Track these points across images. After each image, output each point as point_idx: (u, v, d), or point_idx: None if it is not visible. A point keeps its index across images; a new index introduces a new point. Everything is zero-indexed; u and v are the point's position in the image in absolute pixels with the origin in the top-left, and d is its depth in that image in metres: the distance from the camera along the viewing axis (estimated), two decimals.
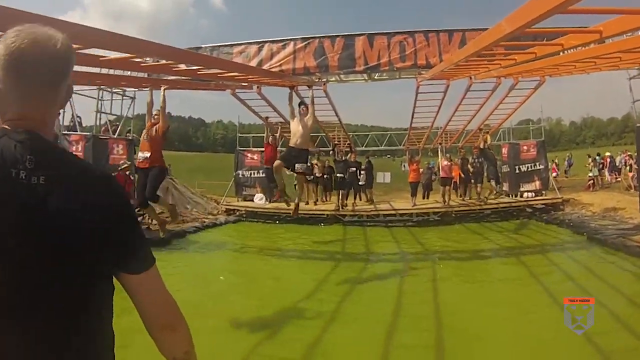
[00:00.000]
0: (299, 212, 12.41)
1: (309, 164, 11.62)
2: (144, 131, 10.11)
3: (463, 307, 8.05)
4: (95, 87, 14.82)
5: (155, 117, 10.00)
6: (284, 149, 15.44)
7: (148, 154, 10.23)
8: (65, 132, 15.67)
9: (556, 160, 39.43)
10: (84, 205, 1.33)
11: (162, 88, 10.19)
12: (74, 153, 12.46)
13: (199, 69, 9.48)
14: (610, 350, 5.65)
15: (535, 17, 4.47)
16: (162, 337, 1.56)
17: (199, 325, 7.27)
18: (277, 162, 11.30)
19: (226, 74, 11.16)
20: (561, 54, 8.24)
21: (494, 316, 7.45)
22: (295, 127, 11.14)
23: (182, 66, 8.93)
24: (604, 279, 9.27)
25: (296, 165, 10.93)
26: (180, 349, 1.59)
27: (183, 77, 11.51)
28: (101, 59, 6.87)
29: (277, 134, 14.67)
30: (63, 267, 1.29)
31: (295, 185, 13.39)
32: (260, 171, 21.75)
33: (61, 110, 15.56)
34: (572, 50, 7.68)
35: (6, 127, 1.35)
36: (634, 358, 5.80)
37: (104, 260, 1.39)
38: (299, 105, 11.44)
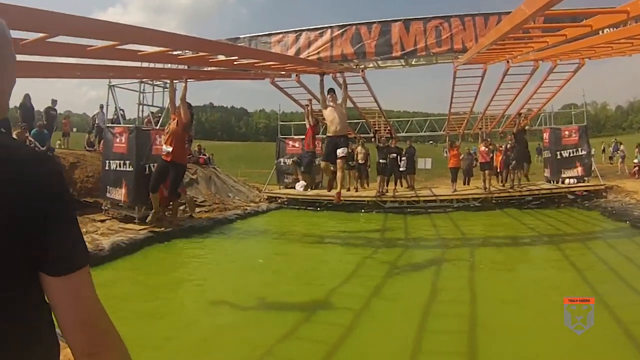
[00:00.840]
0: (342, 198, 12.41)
1: (349, 150, 11.67)
2: (167, 124, 10.40)
3: (498, 296, 8.05)
4: (137, 81, 15.12)
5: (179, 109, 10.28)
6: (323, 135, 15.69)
7: (170, 149, 10.55)
8: (109, 124, 16.10)
9: (603, 147, 38.64)
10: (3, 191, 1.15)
11: (184, 79, 10.38)
12: (116, 144, 12.90)
13: (234, 59, 9.54)
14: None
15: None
16: None
17: (237, 307, 7.64)
18: (323, 164, 11.84)
19: (261, 64, 10.98)
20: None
21: (530, 306, 7.44)
22: (331, 115, 11.30)
23: (221, 57, 9.06)
24: None
25: (337, 151, 11.13)
26: None
27: (222, 68, 11.56)
28: (139, 53, 7.07)
29: (309, 117, 14.88)
30: None
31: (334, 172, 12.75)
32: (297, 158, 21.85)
33: (104, 104, 15.91)
34: (603, 31, 7.60)
35: None
36: None
37: (23, 255, 1.18)
38: (328, 92, 11.67)
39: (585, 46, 9.13)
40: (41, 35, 5.20)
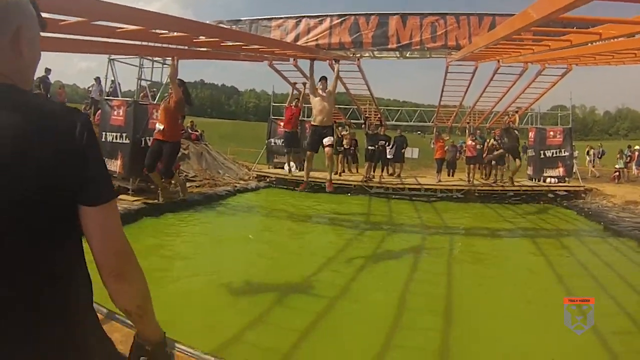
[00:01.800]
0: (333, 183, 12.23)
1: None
2: (162, 102, 10.49)
3: (472, 286, 8.40)
4: (135, 56, 15.35)
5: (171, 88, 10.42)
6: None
7: (162, 127, 10.61)
8: (107, 97, 16.38)
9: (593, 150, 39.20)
10: (44, 139, 1.32)
11: (175, 58, 10.49)
12: (114, 116, 13.17)
13: (220, 41, 9.47)
14: (611, 332, 5.97)
15: (563, 5, 4.38)
16: (112, 286, 1.48)
17: (214, 283, 7.86)
18: (308, 154, 11.56)
19: (263, 49, 11.46)
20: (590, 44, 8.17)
21: (502, 297, 7.77)
22: (320, 104, 10.94)
23: (202, 38, 9.09)
24: (613, 268, 9.51)
25: (324, 140, 10.88)
26: (132, 302, 1.54)
27: (223, 51, 11.45)
28: (118, 30, 7.17)
29: (300, 100, 15.07)
30: (22, 205, 1.28)
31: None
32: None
33: (102, 77, 16.07)
34: (605, 41, 7.63)
35: None
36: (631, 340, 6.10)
37: (61, 192, 1.35)
38: (320, 79, 11.17)
39: (588, 53, 9.30)
40: (82, 19, 5.50)
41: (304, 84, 15.64)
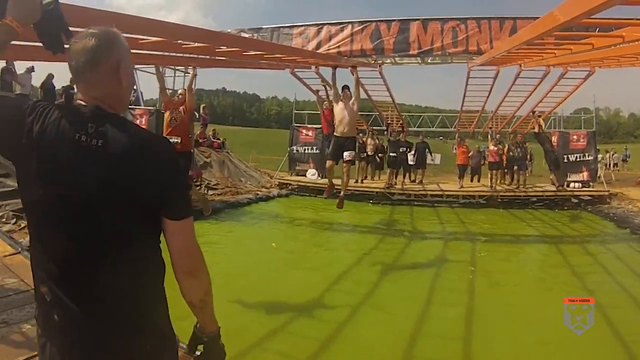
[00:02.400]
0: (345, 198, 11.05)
1: (356, 151, 10.99)
2: (167, 113, 9.90)
3: (495, 294, 8.41)
4: (159, 65, 15.50)
5: (180, 96, 9.94)
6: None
7: (179, 139, 10.04)
8: (130, 106, 16.52)
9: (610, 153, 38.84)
10: (135, 159, 1.72)
11: (194, 68, 10.45)
12: (138, 124, 13.36)
13: (241, 50, 9.50)
14: (633, 341, 5.92)
15: (594, 6, 4.24)
16: (184, 281, 1.86)
17: (236, 291, 7.89)
18: (329, 164, 10.80)
19: (285, 57, 11.43)
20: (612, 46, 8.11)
21: (524, 306, 7.72)
22: (341, 113, 10.36)
23: (223, 47, 9.12)
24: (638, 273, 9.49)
25: (344, 154, 10.29)
26: (197, 295, 1.92)
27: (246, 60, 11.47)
28: (140, 41, 7.23)
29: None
30: (123, 208, 1.72)
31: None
32: (314, 147, 22.37)
33: None
34: (629, 43, 7.51)
35: (80, 101, 1.82)
36: None
37: (152, 204, 1.76)
38: (343, 88, 10.65)
39: (612, 55, 9.04)
40: None
41: (317, 91, 15.27)
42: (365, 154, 22.11)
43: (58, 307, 1.74)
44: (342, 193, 10.87)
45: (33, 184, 1.72)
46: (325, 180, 17.64)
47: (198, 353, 2.07)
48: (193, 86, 10.30)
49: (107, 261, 1.74)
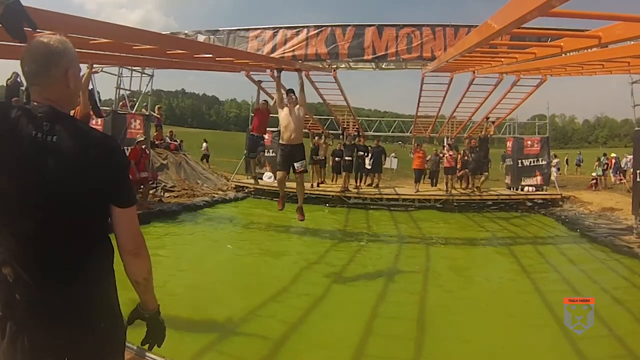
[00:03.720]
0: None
1: (305, 159, 10.34)
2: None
3: (448, 295, 8.50)
4: (115, 65, 15.38)
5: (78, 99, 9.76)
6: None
7: None
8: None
9: (567, 158, 39.73)
10: (85, 154, 1.93)
11: (91, 65, 9.86)
12: (92, 125, 13.04)
13: (192, 53, 9.46)
14: (579, 337, 5.93)
15: (519, 17, 4.39)
16: (129, 261, 2.12)
17: (187, 292, 7.99)
18: (280, 175, 10.28)
19: (237, 61, 11.38)
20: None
21: (477, 305, 7.86)
22: (286, 119, 9.85)
23: (178, 50, 9.14)
24: (587, 273, 9.80)
25: (295, 164, 9.88)
26: (142, 274, 2.17)
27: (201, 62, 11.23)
28: (91, 42, 7.24)
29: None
30: (76, 196, 1.93)
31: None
32: (271, 150, 22.07)
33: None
34: (572, 53, 7.60)
35: (35, 103, 2.00)
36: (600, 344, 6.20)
37: (102, 193, 2.00)
38: (287, 92, 10.16)
39: (558, 64, 9.45)
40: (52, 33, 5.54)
41: (259, 82, 14.63)
42: (317, 157, 22.33)
43: (21, 286, 1.93)
44: (299, 203, 10.65)
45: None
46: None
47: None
48: (89, 87, 9.78)
49: (63, 243, 1.96)
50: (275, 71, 11.57)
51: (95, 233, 2.08)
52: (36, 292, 1.93)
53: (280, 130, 10.29)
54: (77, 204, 1.94)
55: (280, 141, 10.13)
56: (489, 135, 20.39)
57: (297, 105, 9.88)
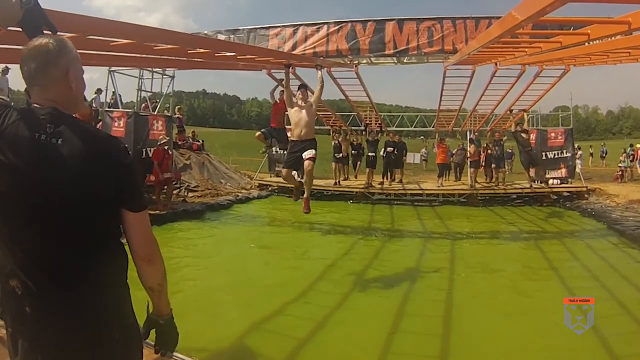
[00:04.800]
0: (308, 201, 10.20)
1: (316, 150, 9.65)
2: None
3: (474, 291, 8.39)
4: (136, 67, 15.50)
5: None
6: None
7: None
8: (108, 109, 16.47)
9: (591, 150, 39.27)
10: (91, 157, 1.86)
11: None
12: (115, 128, 13.18)
13: (214, 52, 9.51)
14: (613, 333, 5.96)
15: (544, 6, 4.29)
16: (143, 268, 2.06)
17: (213, 291, 8.07)
18: (285, 171, 9.81)
19: (259, 58, 11.21)
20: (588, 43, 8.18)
21: (503, 302, 7.79)
22: (296, 116, 9.44)
23: (198, 50, 9.12)
24: (616, 268, 9.56)
25: (304, 154, 9.28)
26: (156, 280, 2.12)
27: (221, 61, 11.05)
28: (112, 44, 7.23)
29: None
30: (84, 202, 1.86)
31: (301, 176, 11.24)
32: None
33: (103, 89, 16.15)
34: (599, 40, 7.58)
35: (36, 104, 1.93)
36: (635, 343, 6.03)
37: (110, 197, 1.92)
38: (299, 87, 9.86)
39: (582, 53, 9.09)
40: (74, 34, 5.55)
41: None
42: (340, 155, 22.29)
43: (30, 298, 1.84)
44: (306, 194, 9.94)
45: None
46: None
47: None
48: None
49: (73, 251, 1.88)
50: (285, 67, 10.91)
51: (106, 239, 2.00)
52: (46, 304, 1.86)
53: (291, 127, 9.82)
54: (84, 210, 1.87)
55: (291, 138, 9.83)
56: (520, 127, 20.02)
57: (310, 101, 9.54)
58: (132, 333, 2.11)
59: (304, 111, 9.38)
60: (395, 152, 22.19)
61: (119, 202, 1.97)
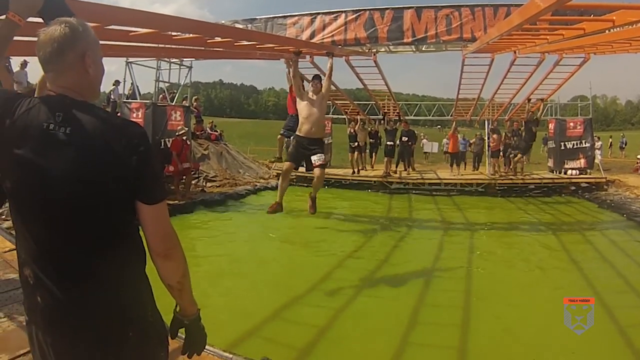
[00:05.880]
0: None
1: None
2: None
3: (493, 282, 8.37)
4: (154, 58, 15.57)
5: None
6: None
7: None
8: (126, 100, 16.61)
9: (610, 141, 38.96)
10: (103, 146, 1.76)
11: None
12: (133, 118, 13.25)
13: (233, 41, 9.59)
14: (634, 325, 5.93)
15: None
16: (161, 264, 1.92)
17: (239, 275, 8.24)
18: (287, 165, 9.19)
19: (270, 46, 11.00)
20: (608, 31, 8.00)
21: (522, 293, 7.74)
22: (307, 109, 8.93)
23: (216, 38, 8.95)
24: (636, 260, 9.42)
25: (313, 158, 8.85)
26: (175, 277, 1.97)
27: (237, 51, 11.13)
28: (131, 34, 7.25)
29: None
30: (96, 192, 1.77)
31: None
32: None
33: (121, 81, 16.24)
34: (620, 28, 7.27)
35: (50, 92, 1.87)
36: None
37: (125, 188, 1.81)
38: (313, 79, 9.32)
39: (604, 41, 9.15)
40: (95, 24, 5.60)
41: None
42: (356, 144, 22.28)
43: (41, 288, 1.80)
44: (313, 194, 9.73)
45: (9, 172, 1.79)
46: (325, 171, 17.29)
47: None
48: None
49: (84, 243, 1.80)
50: (292, 55, 10.59)
51: (119, 233, 1.90)
52: (55, 296, 1.80)
53: (299, 120, 9.24)
54: (95, 202, 1.78)
55: (298, 132, 9.12)
56: (534, 116, 19.91)
57: (321, 94, 9.01)
58: (150, 332, 2.01)
59: (315, 106, 8.93)
60: (409, 141, 22.29)
61: (135, 193, 1.86)
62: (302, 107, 9.03)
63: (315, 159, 8.82)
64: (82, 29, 1.91)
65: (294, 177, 20.24)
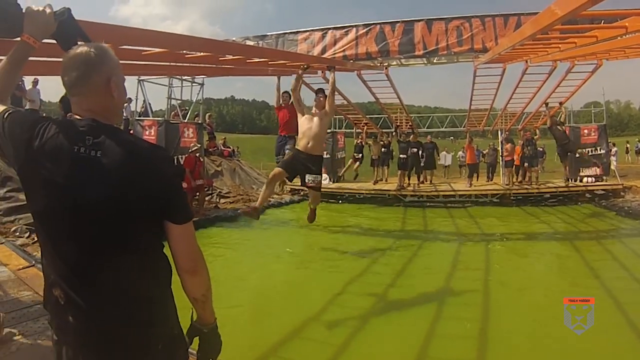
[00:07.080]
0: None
1: (321, 175, 8.55)
2: None
3: (510, 293, 8.25)
4: (166, 75, 15.69)
5: None
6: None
7: None
8: (138, 117, 16.73)
9: (627, 145, 38.74)
10: (133, 169, 1.83)
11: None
12: (146, 136, 13.33)
13: (245, 58, 9.57)
14: None
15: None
16: (187, 280, 2.03)
17: (246, 296, 8.10)
18: (277, 170, 8.69)
19: (290, 63, 10.94)
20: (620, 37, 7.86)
21: (540, 305, 7.58)
22: (307, 124, 8.66)
23: (228, 56, 8.99)
24: None
25: (307, 177, 8.60)
26: (199, 291, 2.08)
27: (248, 67, 10.84)
28: (143, 53, 7.31)
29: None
30: (125, 213, 1.83)
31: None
32: (325, 152, 21.99)
33: (133, 98, 16.35)
34: (631, 34, 7.35)
35: (76, 116, 1.94)
36: None
37: (153, 210, 1.89)
38: (316, 93, 9.04)
39: (617, 47, 8.97)
40: (107, 45, 5.67)
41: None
42: (361, 155, 22.98)
43: (73, 308, 1.85)
44: (312, 207, 9.49)
45: (38, 195, 1.86)
46: (338, 185, 17.22)
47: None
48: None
49: (114, 263, 1.86)
50: (302, 70, 10.00)
51: (149, 251, 1.98)
52: (87, 315, 1.85)
53: (297, 137, 9.25)
54: (126, 222, 1.86)
55: (297, 147, 8.89)
56: (557, 120, 19.70)
57: (324, 110, 8.75)
58: (178, 344, 2.12)
59: (315, 120, 8.64)
60: (421, 153, 22.22)
61: (163, 214, 1.94)
62: (302, 121, 8.84)
63: (310, 179, 8.60)
64: (106, 53, 1.99)
65: (307, 192, 20.34)
